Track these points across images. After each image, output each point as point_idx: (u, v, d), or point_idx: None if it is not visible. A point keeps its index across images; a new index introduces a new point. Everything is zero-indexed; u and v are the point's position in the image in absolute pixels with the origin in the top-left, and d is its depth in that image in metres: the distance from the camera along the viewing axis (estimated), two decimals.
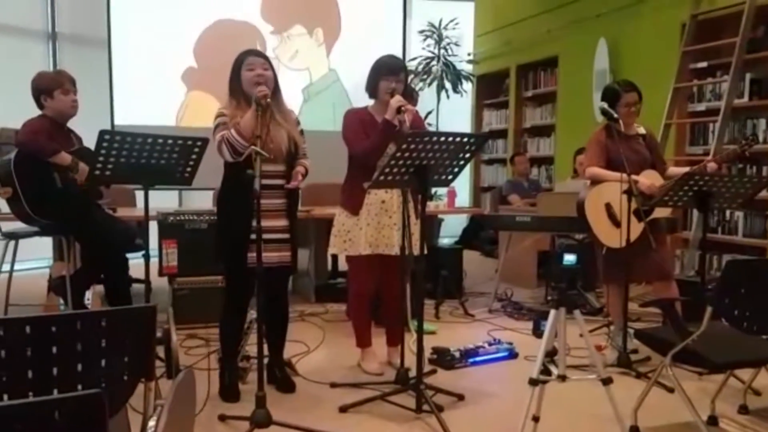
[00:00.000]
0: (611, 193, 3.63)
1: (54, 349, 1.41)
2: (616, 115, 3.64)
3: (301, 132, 3.21)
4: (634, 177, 3.55)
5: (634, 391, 2.92)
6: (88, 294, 3.81)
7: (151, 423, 1.29)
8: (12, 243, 3.87)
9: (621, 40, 6.66)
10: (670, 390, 2.98)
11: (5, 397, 1.36)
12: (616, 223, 3.65)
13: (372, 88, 3.41)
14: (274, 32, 6.81)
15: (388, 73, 3.33)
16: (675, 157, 5.82)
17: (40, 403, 0.93)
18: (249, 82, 3.02)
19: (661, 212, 3.80)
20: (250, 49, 3.18)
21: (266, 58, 3.13)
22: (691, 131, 5.97)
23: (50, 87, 3.65)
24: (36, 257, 5.74)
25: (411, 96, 4.42)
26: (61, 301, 3.87)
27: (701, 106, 5.87)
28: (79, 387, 1.45)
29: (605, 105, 3.70)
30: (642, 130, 3.91)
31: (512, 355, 3.87)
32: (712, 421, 2.88)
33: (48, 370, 1.42)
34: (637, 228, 3.59)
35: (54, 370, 1.42)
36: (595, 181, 3.79)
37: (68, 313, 1.43)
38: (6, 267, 3.85)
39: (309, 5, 7.00)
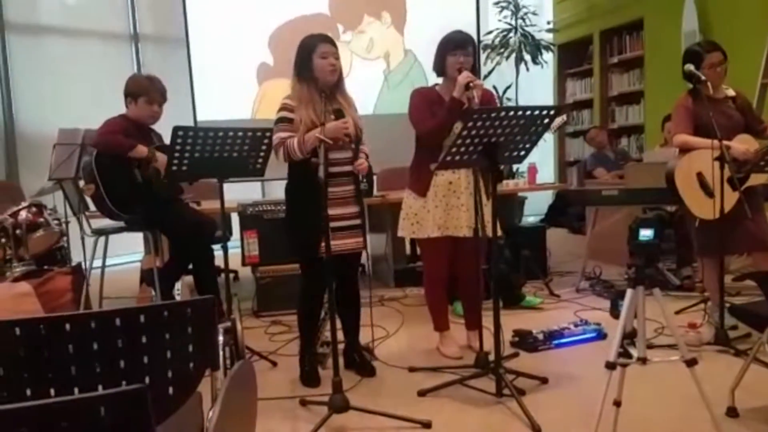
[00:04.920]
0: (702, 161, 3.41)
1: (119, 343, 1.45)
2: (703, 77, 3.42)
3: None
4: (726, 143, 3.32)
5: (732, 369, 2.73)
6: (178, 284, 3.95)
7: (210, 413, 1.31)
8: (102, 239, 4.06)
9: None
10: None
11: (76, 390, 1.42)
12: (709, 193, 3.44)
13: (440, 66, 3.32)
14: (346, 29, 6.77)
15: (455, 48, 3.23)
16: None
17: (85, 399, 0.94)
18: (322, 70, 3.01)
19: (757, 179, 3.55)
20: (320, 34, 3.12)
21: (335, 45, 3.08)
22: None
23: (137, 93, 3.77)
24: (130, 251, 6.02)
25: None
26: (153, 292, 4.04)
27: None
28: (147, 379, 1.49)
29: (692, 67, 3.48)
30: (731, 92, 3.65)
31: (601, 336, 3.72)
32: None
33: (116, 363, 1.46)
34: (731, 197, 3.37)
35: (121, 362, 1.46)
36: (685, 150, 3.58)
37: (131, 307, 1.46)
38: (98, 262, 4.04)
39: None
